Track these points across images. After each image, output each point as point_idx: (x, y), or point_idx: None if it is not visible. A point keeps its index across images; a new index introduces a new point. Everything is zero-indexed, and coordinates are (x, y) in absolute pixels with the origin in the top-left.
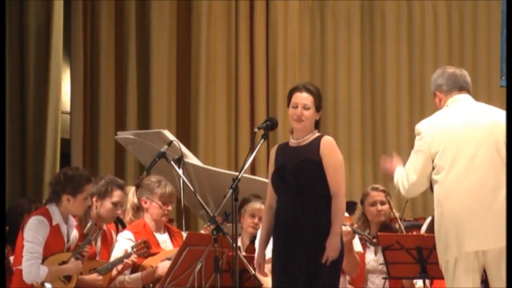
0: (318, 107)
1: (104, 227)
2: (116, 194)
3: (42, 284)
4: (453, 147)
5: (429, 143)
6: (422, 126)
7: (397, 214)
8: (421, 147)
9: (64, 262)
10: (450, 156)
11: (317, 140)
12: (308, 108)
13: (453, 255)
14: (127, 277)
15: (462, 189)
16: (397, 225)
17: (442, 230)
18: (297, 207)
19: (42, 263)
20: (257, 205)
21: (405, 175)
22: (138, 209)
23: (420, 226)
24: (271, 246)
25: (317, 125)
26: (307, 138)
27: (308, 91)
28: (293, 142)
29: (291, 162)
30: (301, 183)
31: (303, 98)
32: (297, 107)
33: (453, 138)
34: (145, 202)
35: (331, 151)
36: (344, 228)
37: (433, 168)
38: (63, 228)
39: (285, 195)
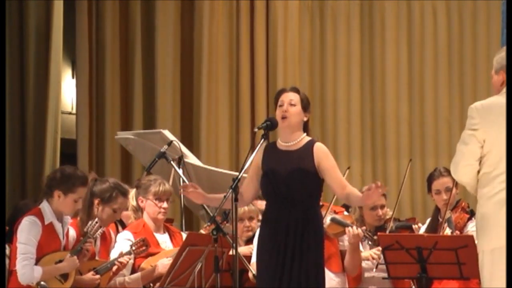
0: (306, 107)
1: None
2: (119, 202)
3: (38, 283)
4: (501, 142)
5: (480, 129)
6: (475, 110)
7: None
8: (472, 131)
9: (60, 261)
10: (497, 150)
11: (309, 147)
12: (294, 105)
13: (491, 245)
14: (127, 277)
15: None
16: (389, 225)
17: (485, 219)
18: (290, 216)
19: (37, 263)
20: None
21: (455, 157)
22: (137, 211)
23: (410, 227)
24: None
25: (306, 128)
26: (297, 142)
27: (294, 90)
28: (282, 144)
29: (283, 168)
30: (294, 193)
31: (289, 95)
32: (283, 105)
33: (502, 131)
34: (142, 201)
35: (326, 155)
36: (356, 230)
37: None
38: (57, 226)
39: (275, 203)
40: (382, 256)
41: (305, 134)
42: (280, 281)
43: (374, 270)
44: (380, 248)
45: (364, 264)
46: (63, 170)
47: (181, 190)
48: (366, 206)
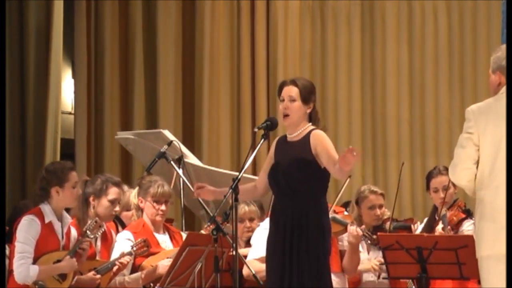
0: (307, 99)
1: (105, 227)
2: (112, 191)
3: (35, 283)
4: (497, 144)
5: (476, 132)
6: (471, 113)
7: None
8: (468, 134)
9: (59, 261)
10: (492, 152)
11: (308, 136)
12: (294, 100)
13: (487, 252)
14: (127, 277)
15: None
16: (387, 225)
17: (482, 223)
18: (290, 209)
19: (35, 262)
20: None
21: (453, 160)
22: (139, 209)
23: (408, 228)
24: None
25: (311, 118)
26: (300, 133)
27: (293, 83)
28: (288, 136)
29: (284, 160)
30: (292, 184)
31: (288, 90)
32: (283, 100)
33: (498, 133)
34: (141, 202)
35: (322, 140)
36: (352, 228)
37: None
38: (57, 226)
39: (278, 196)
40: (384, 268)
41: (309, 124)
42: (282, 275)
43: (377, 281)
44: (380, 259)
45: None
46: (46, 169)
47: (182, 197)
48: (364, 206)
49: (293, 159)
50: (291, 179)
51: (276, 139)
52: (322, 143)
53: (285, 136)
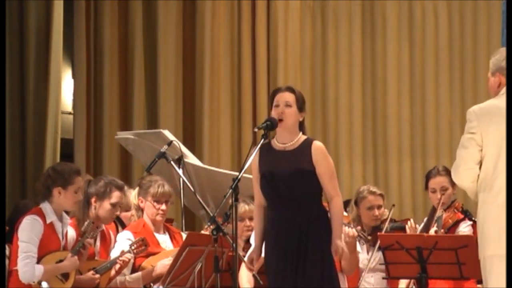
0: (301, 107)
1: (103, 227)
2: (115, 195)
3: (39, 283)
4: (499, 144)
5: (479, 132)
6: (473, 113)
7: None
8: (471, 134)
9: (61, 261)
10: (495, 153)
11: (307, 146)
12: (290, 106)
13: (490, 252)
14: (128, 276)
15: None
16: (385, 226)
17: (485, 224)
18: (295, 217)
19: (38, 262)
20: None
21: (456, 161)
22: (139, 209)
23: (404, 228)
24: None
25: (302, 127)
26: (294, 142)
27: (290, 90)
28: (278, 145)
29: (281, 169)
30: (296, 194)
31: (285, 96)
32: (278, 105)
33: (500, 133)
34: (141, 202)
35: (323, 158)
36: (347, 229)
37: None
38: (57, 226)
39: (277, 205)
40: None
41: (301, 133)
42: (288, 282)
43: None
44: None
45: (361, 264)
46: (54, 168)
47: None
48: (362, 206)
49: (294, 169)
50: (294, 189)
51: (257, 148)
52: (323, 166)
53: (268, 144)
